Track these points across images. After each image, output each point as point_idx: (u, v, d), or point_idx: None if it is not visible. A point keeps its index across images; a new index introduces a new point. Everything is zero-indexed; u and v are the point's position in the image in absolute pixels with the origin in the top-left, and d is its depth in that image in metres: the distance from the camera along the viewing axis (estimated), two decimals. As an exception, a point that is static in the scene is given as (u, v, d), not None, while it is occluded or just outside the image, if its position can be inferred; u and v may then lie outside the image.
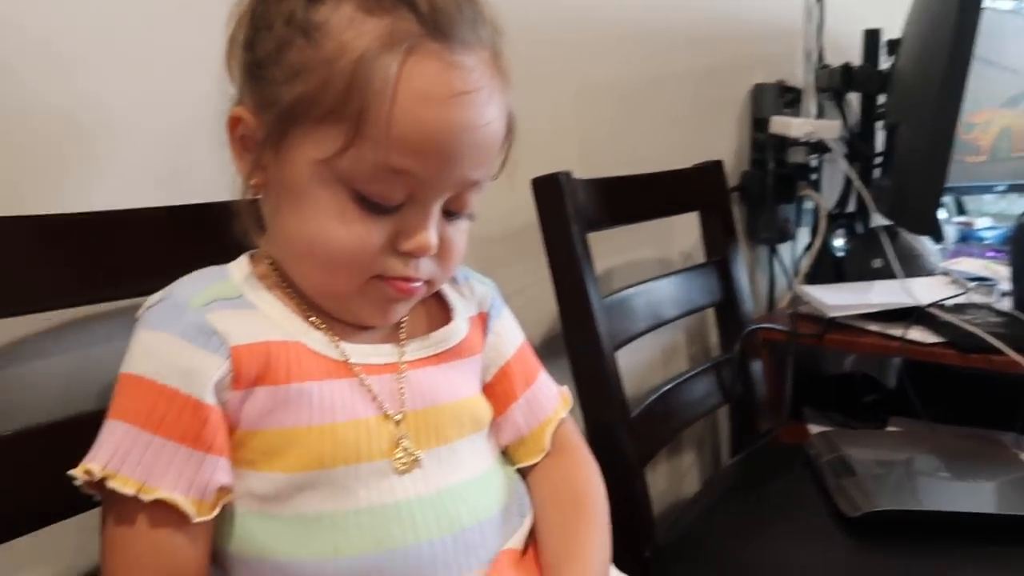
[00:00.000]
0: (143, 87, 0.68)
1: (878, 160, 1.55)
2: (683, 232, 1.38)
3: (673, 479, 1.43)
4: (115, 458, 0.49)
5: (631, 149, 1.28)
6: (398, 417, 0.56)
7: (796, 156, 1.54)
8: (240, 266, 0.58)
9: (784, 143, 1.51)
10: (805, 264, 1.55)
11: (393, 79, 0.49)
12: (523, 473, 0.65)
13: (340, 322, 0.57)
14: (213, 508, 0.51)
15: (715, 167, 1.23)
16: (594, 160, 1.17)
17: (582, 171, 0.97)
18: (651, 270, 1.16)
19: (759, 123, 1.53)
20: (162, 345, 0.51)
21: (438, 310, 0.64)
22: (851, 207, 1.63)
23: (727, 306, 1.23)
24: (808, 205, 1.64)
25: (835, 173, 1.66)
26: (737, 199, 1.55)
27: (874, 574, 0.84)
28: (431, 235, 0.53)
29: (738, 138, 1.56)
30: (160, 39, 0.68)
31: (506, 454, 0.66)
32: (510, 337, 0.67)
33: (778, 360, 1.40)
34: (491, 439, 0.64)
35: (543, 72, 1.10)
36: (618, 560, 0.64)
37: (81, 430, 0.55)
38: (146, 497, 0.49)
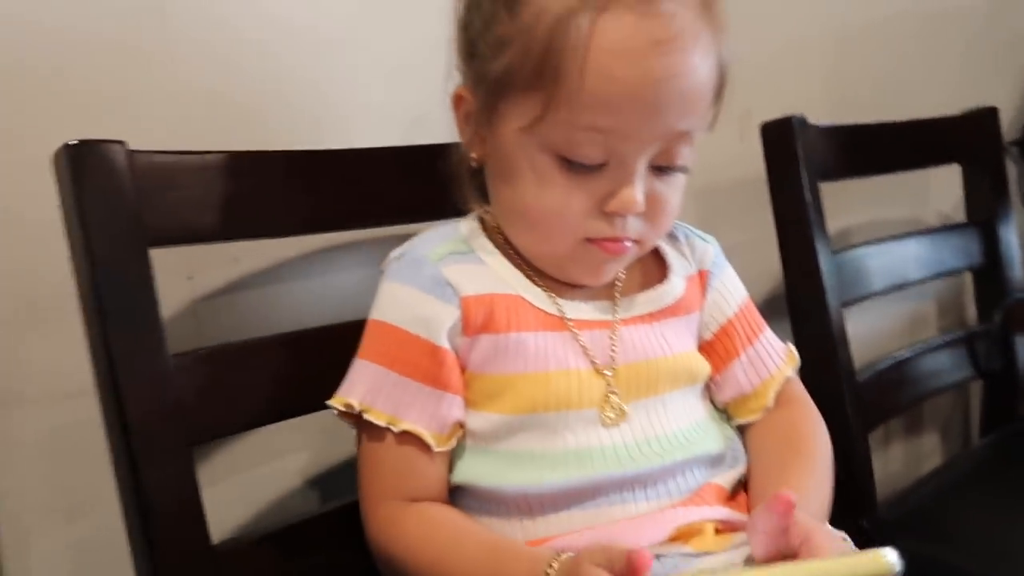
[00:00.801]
0: (395, 66, 0.75)
1: None
2: (942, 190, 1.24)
3: (911, 460, 1.31)
4: (369, 394, 0.56)
5: (888, 96, 1.16)
6: (608, 373, 0.58)
7: (1099, 102, 1.31)
8: (470, 225, 0.62)
9: (1084, 88, 1.29)
10: (1100, 231, 1.32)
11: (585, 35, 0.49)
12: (742, 429, 0.64)
13: (557, 280, 0.60)
14: (450, 440, 0.56)
15: (987, 114, 1.08)
16: (842, 108, 1.08)
17: (829, 120, 0.91)
18: (900, 231, 1.06)
19: (1052, 65, 1.32)
20: (404, 296, 0.57)
21: (655, 268, 0.64)
22: None
23: (989, 271, 1.09)
24: (1111, 162, 1.39)
25: None
26: (1016, 155, 1.35)
27: None
28: (636, 193, 0.53)
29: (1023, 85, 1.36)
30: (409, 28, 0.75)
31: (726, 411, 0.64)
32: (732, 295, 0.66)
33: (1053, 338, 1.22)
34: (705, 395, 0.64)
35: (787, 9, 1.04)
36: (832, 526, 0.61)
37: (322, 339, 0.64)
38: (396, 427, 0.55)
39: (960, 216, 1.14)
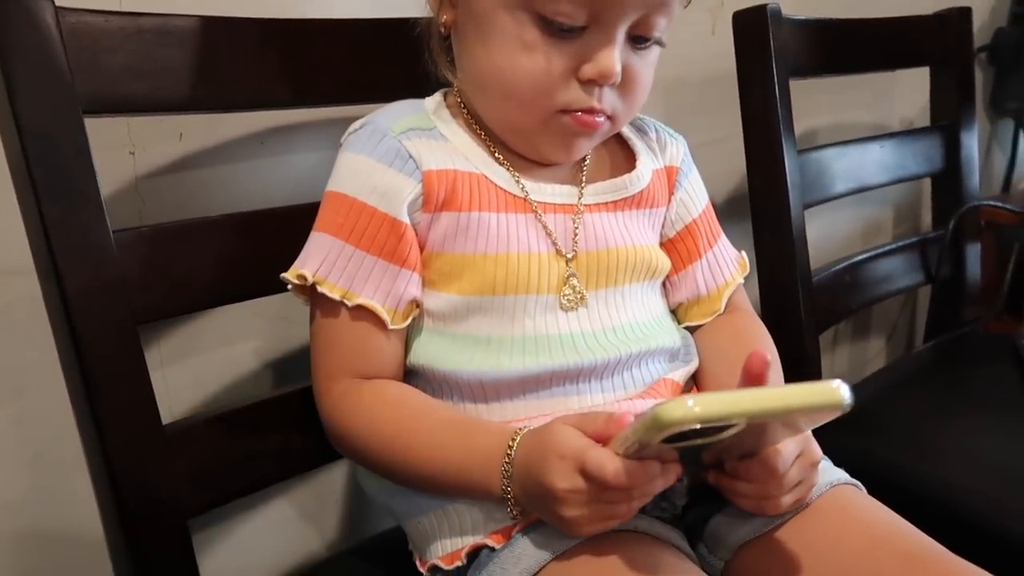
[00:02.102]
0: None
1: None
2: (908, 94, 1.23)
3: (857, 363, 1.35)
4: (323, 266, 0.54)
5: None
6: (569, 255, 0.57)
7: (1070, 11, 1.30)
8: (434, 101, 0.60)
9: (1058, -6, 1.28)
10: (1058, 142, 1.34)
11: None
12: (690, 331, 0.65)
13: (523, 159, 0.58)
14: (405, 318, 0.56)
15: (959, 16, 1.06)
16: (816, 4, 1.05)
17: (801, 13, 0.88)
18: (864, 134, 1.05)
19: (1028, -31, 1.30)
20: (363, 166, 0.55)
21: (622, 158, 0.63)
22: None
23: (947, 178, 1.10)
24: (1076, 73, 1.39)
25: (1120, 35, 1.38)
26: (984, 61, 1.35)
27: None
28: (614, 60, 0.52)
29: (998, -13, 1.34)
30: None
31: (676, 313, 0.65)
32: (698, 196, 0.66)
33: (1003, 246, 1.24)
34: (663, 293, 0.64)
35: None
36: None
37: (275, 221, 0.61)
38: (350, 302, 0.54)
39: (924, 122, 1.14)
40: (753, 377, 0.48)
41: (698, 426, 0.38)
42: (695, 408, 0.37)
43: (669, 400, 0.39)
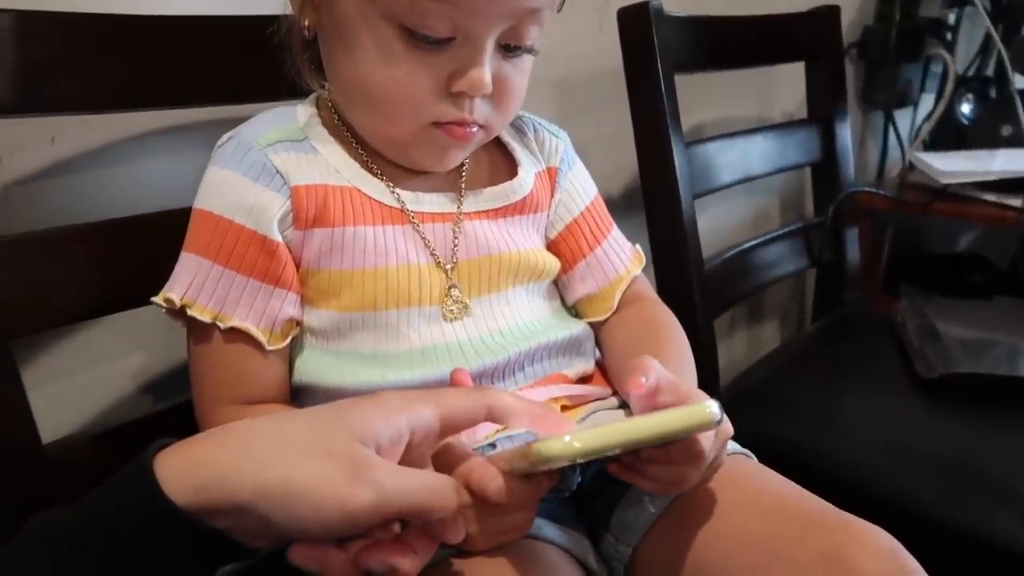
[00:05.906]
0: None
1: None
2: (787, 89, 1.29)
3: (752, 346, 1.41)
4: (192, 288, 0.52)
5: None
6: (449, 266, 0.57)
7: (929, 9, 1.39)
8: (306, 109, 0.58)
9: (917, -7, 1.37)
10: (924, 131, 1.43)
11: None
12: (594, 327, 0.65)
13: (399, 168, 0.57)
14: (283, 338, 0.54)
15: (829, 12, 1.12)
16: (699, 4, 1.09)
17: (683, 11, 0.92)
18: (747, 127, 1.10)
19: (890, -30, 1.39)
20: (228, 183, 0.53)
21: (503, 163, 0.62)
22: (989, 71, 1.48)
23: (825, 168, 1.16)
24: (937, 67, 1.49)
25: (974, 30, 1.49)
26: (855, 57, 1.43)
27: (940, 435, 0.82)
28: (484, 72, 0.51)
29: (865, -13, 1.42)
30: None
31: (576, 309, 0.65)
32: (580, 193, 0.65)
33: (878, 230, 1.33)
34: (553, 293, 0.64)
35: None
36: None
37: (153, 228, 0.59)
38: (223, 324, 0.52)
39: (803, 115, 1.20)
40: (641, 401, 0.48)
41: (579, 460, 0.39)
42: (574, 443, 0.39)
43: (548, 437, 0.40)
